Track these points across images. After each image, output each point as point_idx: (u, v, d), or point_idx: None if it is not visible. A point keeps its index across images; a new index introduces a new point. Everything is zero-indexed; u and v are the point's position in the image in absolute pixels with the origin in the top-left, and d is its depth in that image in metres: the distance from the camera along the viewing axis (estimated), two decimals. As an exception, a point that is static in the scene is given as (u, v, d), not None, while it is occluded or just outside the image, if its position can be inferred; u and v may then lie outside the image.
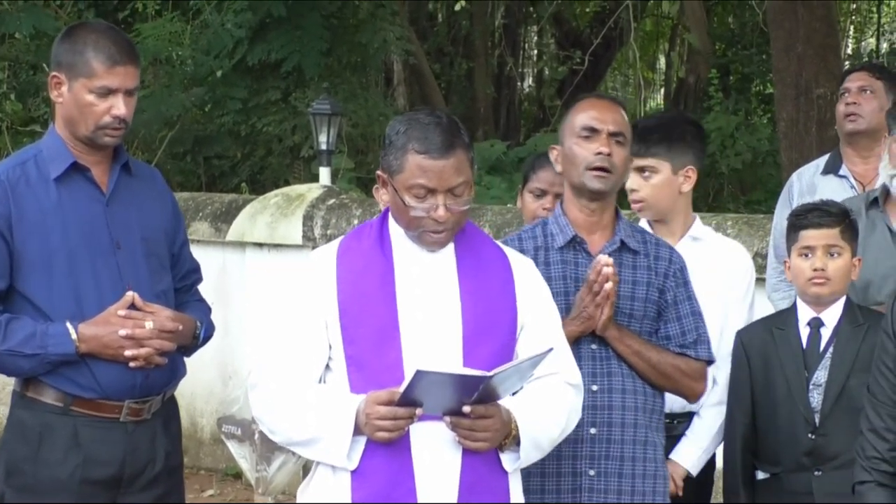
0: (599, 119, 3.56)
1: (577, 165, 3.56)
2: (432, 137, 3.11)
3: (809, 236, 3.93)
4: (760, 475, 4.02)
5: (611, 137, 3.54)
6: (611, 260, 3.47)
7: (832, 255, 3.91)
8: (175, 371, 3.75)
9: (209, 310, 3.93)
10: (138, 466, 3.66)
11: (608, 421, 3.53)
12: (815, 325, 3.94)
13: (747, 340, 4.01)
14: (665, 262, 3.64)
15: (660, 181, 4.06)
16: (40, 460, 3.57)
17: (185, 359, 3.85)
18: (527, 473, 3.48)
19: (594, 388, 3.53)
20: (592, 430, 3.52)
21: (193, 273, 3.95)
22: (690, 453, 4.03)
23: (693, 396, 3.72)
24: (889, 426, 3.30)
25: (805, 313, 3.97)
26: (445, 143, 3.11)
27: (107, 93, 3.57)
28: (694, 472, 4.03)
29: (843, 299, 3.95)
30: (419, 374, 2.92)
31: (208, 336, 3.84)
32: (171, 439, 3.79)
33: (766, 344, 3.98)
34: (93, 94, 3.57)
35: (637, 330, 3.59)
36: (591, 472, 3.52)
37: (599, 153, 3.52)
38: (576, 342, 3.52)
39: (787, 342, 3.95)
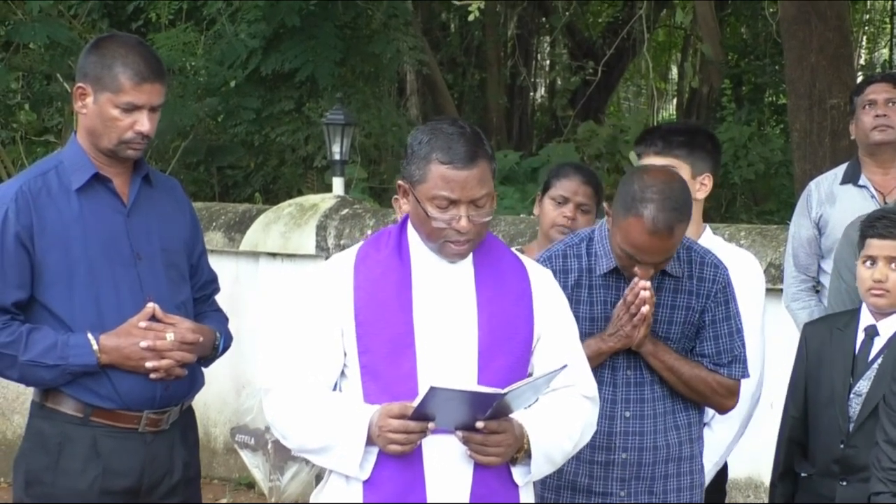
0: (646, 254, 3.43)
1: (616, 260, 3.54)
2: (456, 148, 3.09)
3: (873, 245, 3.91)
4: (803, 474, 4.04)
5: (652, 266, 3.47)
6: (648, 284, 3.46)
7: (894, 266, 3.89)
8: (194, 382, 3.77)
9: (226, 320, 3.94)
10: (156, 476, 3.66)
11: (639, 446, 3.56)
12: (871, 333, 3.93)
13: (810, 335, 4.04)
14: (708, 284, 3.62)
15: None
16: (60, 470, 3.58)
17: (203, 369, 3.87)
18: (556, 486, 3.52)
19: (627, 414, 3.56)
20: (624, 455, 3.55)
21: (211, 283, 3.95)
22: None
23: (723, 410, 3.74)
24: (905, 437, 3.29)
25: (865, 319, 3.96)
26: (469, 153, 3.09)
27: (132, 109, 3.58)
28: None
29: None
30: (433, 391, 2.91)
31: (226, 347, 3.85)
32: (189, 449, 3.79)
33: (823, 342, 3.99)
34: (118, 108, 3.57)
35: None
36: (622, 493, 3.56)
37: (640, 275, 3.47)
38: (612, 368, 3.55)
39: (841, 345, 3.95)
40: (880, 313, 3.92)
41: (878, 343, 3.90)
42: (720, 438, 4.04)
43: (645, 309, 3.45)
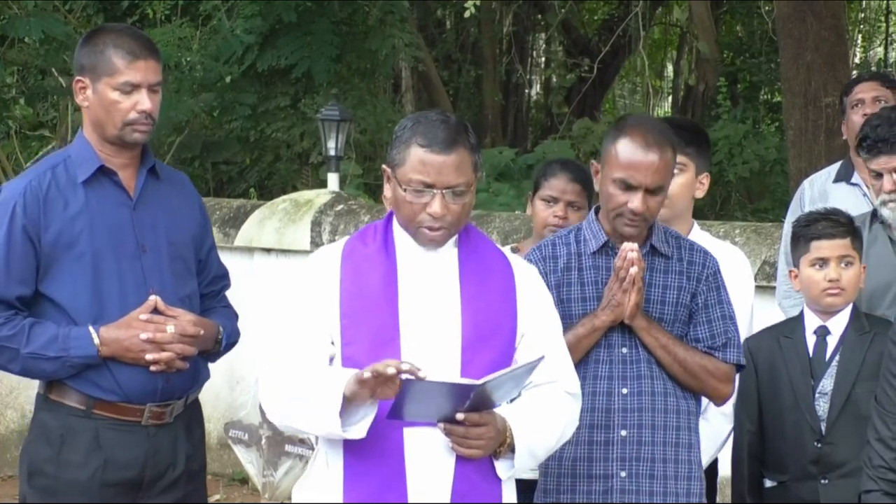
0: (639, 172, 3.45)
1: (608, 209, 3.54)
2: (436, 133, 3.13)
3: (823, 247, 3.92)
4: (768, 483, 4.03)
5: (647, 193, 3.48)
6: (635, 245, 3.47)
7: (845, 264, 3.91)
8: (197, 375, 3.79)
9: (236, 316, 3.95)
10: (159, 469, 3.69)
11: (638, 423, 3.55)
12: (822, 333, 3.95)
13: (755, 348, 4.01)
14: (699, 267, 3.64)
15: (685, 180, 4.03)
16: (62, 462, 3.60)
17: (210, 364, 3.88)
18: (557, 475, 3.52)
19: (624, 391, 3.55)
20: (623, 433, 3.54)
21: (221, 279, 3.96)
22: None
23: (719, 398, 3.71)
24: (896, 435, 3.30)
25: (812, 321, 3.98)
26: (448, 139, 3.13)
27: (130, 89, 3.59)
28: None
29: (850, 307, 3.95)
30: (407, 384, 2.93)
31: (232, 342, 3.87)
32: (193, 443, 3.82)
33: (773, 352, 3.99)
34: (117, 91, 3.59)
35: None
36: (623, 474, 3.54)
37: (632, 211, 3.48)
38: (607, 346, 3.55)
39: (793, 350, 3.96)
40: (826, 313, 3.94)
41: (832, 341, 3.93)
42: (717, 430, 4.03)
43: (633, 270, 3.45)
